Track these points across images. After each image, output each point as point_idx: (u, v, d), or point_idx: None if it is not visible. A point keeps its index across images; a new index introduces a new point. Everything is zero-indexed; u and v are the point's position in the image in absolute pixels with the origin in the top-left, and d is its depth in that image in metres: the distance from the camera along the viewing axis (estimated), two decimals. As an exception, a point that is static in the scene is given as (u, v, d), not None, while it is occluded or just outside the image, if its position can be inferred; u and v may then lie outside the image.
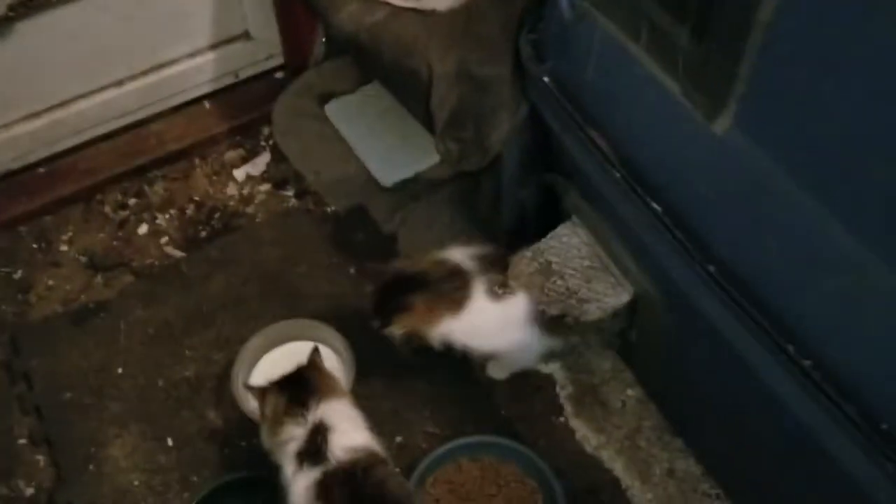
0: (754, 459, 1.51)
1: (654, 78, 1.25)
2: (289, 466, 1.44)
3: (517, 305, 1.60)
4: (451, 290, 1.56)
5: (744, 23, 1.05)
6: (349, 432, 1.47)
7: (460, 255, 1.60)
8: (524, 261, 1.78)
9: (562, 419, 1.85)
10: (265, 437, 1.51)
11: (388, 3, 1.67)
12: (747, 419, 1.44)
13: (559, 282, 1.74)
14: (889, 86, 0.92)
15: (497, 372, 1.83)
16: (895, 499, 1.08)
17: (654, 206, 1.32)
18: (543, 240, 1.74)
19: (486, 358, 1.78)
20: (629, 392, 1.87)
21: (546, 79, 1.47)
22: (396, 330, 1.58)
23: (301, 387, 1.48)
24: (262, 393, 1.52)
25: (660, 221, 1.31)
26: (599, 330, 1.71)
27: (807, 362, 1.15)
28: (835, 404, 1.12)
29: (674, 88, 1.22)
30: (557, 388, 1.87)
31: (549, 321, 1.61)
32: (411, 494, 1.49)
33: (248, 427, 1.71)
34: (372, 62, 1.70)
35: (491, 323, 1.60)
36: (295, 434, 1.44)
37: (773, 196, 1.12)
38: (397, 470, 1.52)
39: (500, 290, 1.59)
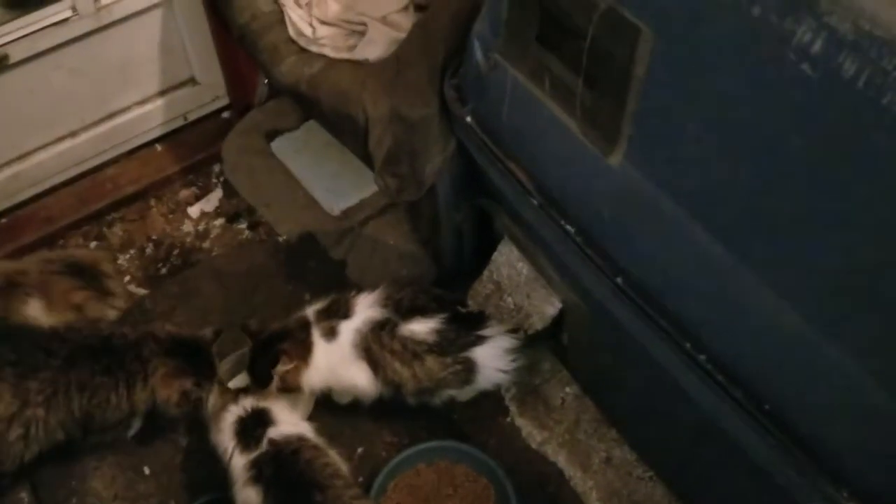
0: (673, 442, 1.71)
1: (559, 119, 1.43)
2: (229, 449, 1.70)
3: (344, 345, 1.81)
4: (301, 338, 1.81)
5: (624, 77, 1.24)
6: (285, 422, 1.71)
7: (310, 310, 1.86)
8: (481, 284, 1.97)
9: (508, 419, 2.02)
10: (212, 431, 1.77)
11: (325, 55, 1.82)
12: (663, 408, 1.63)
13: (508, 299, 1.93)
14: (731, 129, 1.13)
15: (341, 397, 1.98)
16: (779, 465, 1.28)
17: (568, 227, 1.50)
18: (492, 257, 1.92)
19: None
20: (567, 389, 2.05)
21: (468, 119, 1.65)
22: (276, 385, 1.81)
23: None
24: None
25: (573, 241, 1.50)
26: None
27: (701, 356, 1.34)
28: (725, 391, 1.32)
29: (574, 128, 1.40)
30: (503, 391, 2.05)
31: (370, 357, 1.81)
32: (340, 476, 1.68)
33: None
34: (312, 109, 1.86)
35: (331, 360, 1.82)
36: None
37: (660, 216, 1.31)
38: (334, 459, 1.72)
39: (329, 334, 1.81)
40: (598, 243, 1.47)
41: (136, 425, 1.96)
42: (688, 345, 1.36)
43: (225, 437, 1.75)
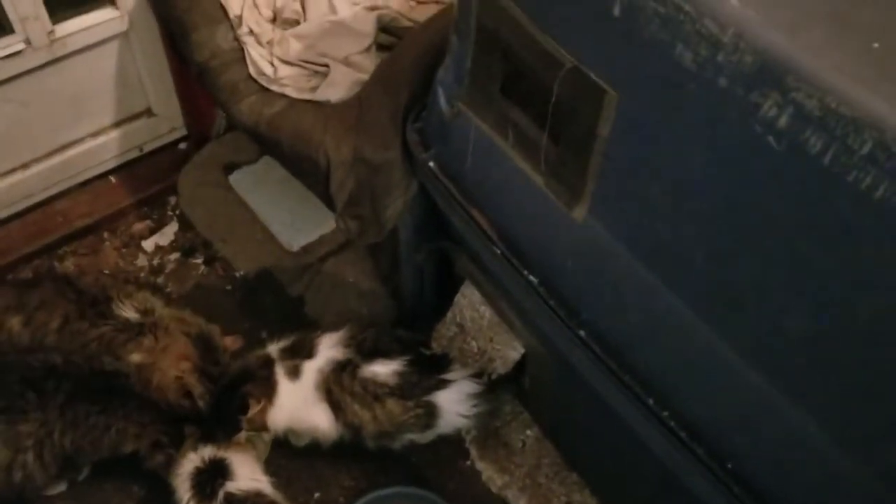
0: (634, 492, 1.70)
1: (522, 171, 1.42)
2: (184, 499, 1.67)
3: (307, 385, 1.79)
4: (265, 375, 1.78)
5: (588, 135, 1.23)
6: (243, 476, 1.69)
7: (272, 347, 1.84)
8: (444, 326, 1.96)
9: (468, 462, 2.00)
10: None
11: (286, 95, 1.79)
12: (625, 457, 1.63)
13: (472, 342, 1.92)
14: (693, 194, 1.13)
15: (297, 440, 1.95)
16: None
17: (531, 277, 1.49)
18: (455, 299, 1.90)
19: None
20: (528, 432, 2.04)
21: (431, 163, 1.63)
22: (246, 429, 1.79)
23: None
24: None
25: (535, 291, 1.48)
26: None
27: (664, 413, 1.34)
28: (688, 448, 1.31)
29: (539, 181, 1.39)
30: (463, 433, 2.03)
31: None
32: None
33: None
34: (272, 150, 1.83)
35: (294, 401, 1.79)
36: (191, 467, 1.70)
37: (622, 272, 1.31)
38: None
39: (293, 373, 1.79)
40: (561, 295, 1.46)
41: (86, 470, 1.90)
42: (651, 400, 1.35)
43: (181, 486, 1.70)
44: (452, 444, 2.01)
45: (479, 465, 2.00)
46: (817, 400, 1.11)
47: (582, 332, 1.44)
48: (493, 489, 1.96)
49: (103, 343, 1.83)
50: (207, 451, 1.74)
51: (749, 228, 1.08)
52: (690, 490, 1.35)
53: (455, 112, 1.52)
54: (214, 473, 1.70)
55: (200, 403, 1.78)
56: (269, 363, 1.81)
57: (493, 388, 1.88)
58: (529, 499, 1.94)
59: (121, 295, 1.88)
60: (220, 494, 1.66)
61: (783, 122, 0.96)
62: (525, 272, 1.51)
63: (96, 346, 1.83)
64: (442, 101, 1.55)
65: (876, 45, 0.95)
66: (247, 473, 1.74)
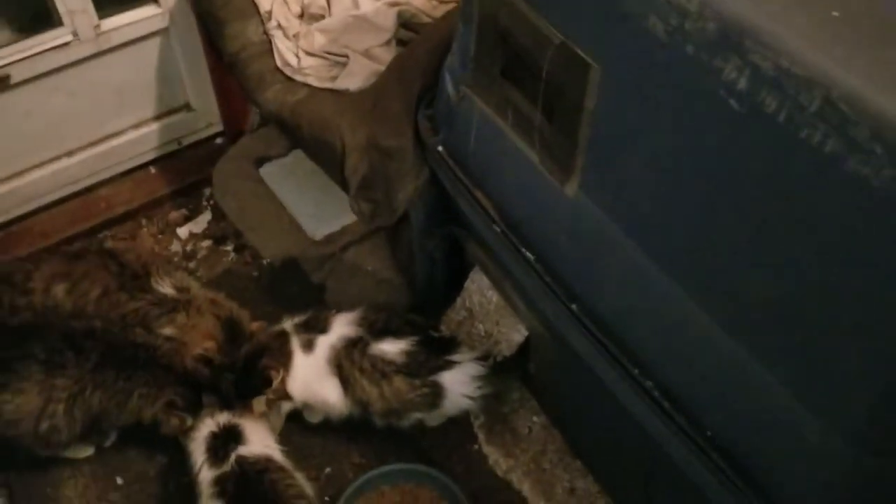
0: (629, 476, 1.74)
1: (520, 150, 1.49)
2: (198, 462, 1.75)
3: (319, 359, 1.87)
4: (279, 346, 1.87)
5: (576, 109, 1.30)
6: (255, 442, 1.76)
7: (287, 322, 1.93)
8: (454, 311, 2.03)
9: (476, 447, 2.05)
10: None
11: (308, 85, 1.90)
12: (618, 437, 1.67)
13: (479, 326, 1.98)
14: (668, 161, 1.19)
15: (311, 416, 2.03)
16: (719, 491, 1.31)
17: (528, 254, 1.56)
18: (465, 285, 1.97)
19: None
20: (535, 419, 2.08)
21: (440, 148, 1.71)
22: (270, 397, 1.87)
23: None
24: None
25: (532, 268, 1.55)
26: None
27: (648, 382, 1.39)
28: (670, 417, 1.36)
29: (535, 159, 1.47)
30: (472, 419, 2.08)
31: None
32: (304, 497, 1.72)
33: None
34: (293, 135, 1.93)
35: (307, 373, 1.87)
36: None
37: (610, 245, 1.36)
38: (299, 482, 1.76)
39: (307, 346, 1.87)
40: (556, 270, 1.52)
41: (113, 435, 2.00)
42: (636, 371, 1.40)
43: (196, 450, 1.79)
44: (461, 428, 2.06)
45: (486, 450, 2.05)
46: (785, 366, 1.15)
47: (574, 307, 1.49)
48: (499, 472, 2.01)
49: (139, 315, 1.95)
50: (223, 418, 1.83)
51: (718, 193, 1.13)
52: (678, 468, 1.39)
53: (461, 96, 1.61)
54: (228, 438, 1.78)
55: (217, 373, 1.88)
56: (283, 336, 1.89)
57: (499, 372, 1.93)
58: (533, 483, 1.98)
59: (160, 272, 2.01)
60: (232, 457, 1.73)
61: (742, 84, 1.02)
62: (523, 249, 1.57)
63: (132, 317, 1.95)
64: (449, 86, 1.63)
65: (835, 13, 1.01)
66: (259, 440, 1.81)
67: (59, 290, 1.95)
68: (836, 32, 0.99)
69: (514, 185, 1.56)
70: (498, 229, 1.60)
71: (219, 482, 1.72)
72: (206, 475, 1.75)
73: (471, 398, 1.90)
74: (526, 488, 1.97)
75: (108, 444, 2.01)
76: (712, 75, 1.05)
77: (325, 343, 1.88)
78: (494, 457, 2.04)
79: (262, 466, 1.74)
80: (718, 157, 1.11)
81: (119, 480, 1.98)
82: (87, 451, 2.00)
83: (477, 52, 1.52)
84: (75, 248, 2.14)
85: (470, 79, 1.57)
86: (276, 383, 1.85)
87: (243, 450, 1.76)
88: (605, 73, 1.23)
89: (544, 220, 1.52)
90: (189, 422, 1.84)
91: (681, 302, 1.26)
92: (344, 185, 1.85)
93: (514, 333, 1.88)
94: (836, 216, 0.99)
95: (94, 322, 1.89)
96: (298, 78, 1.91)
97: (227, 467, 1.74)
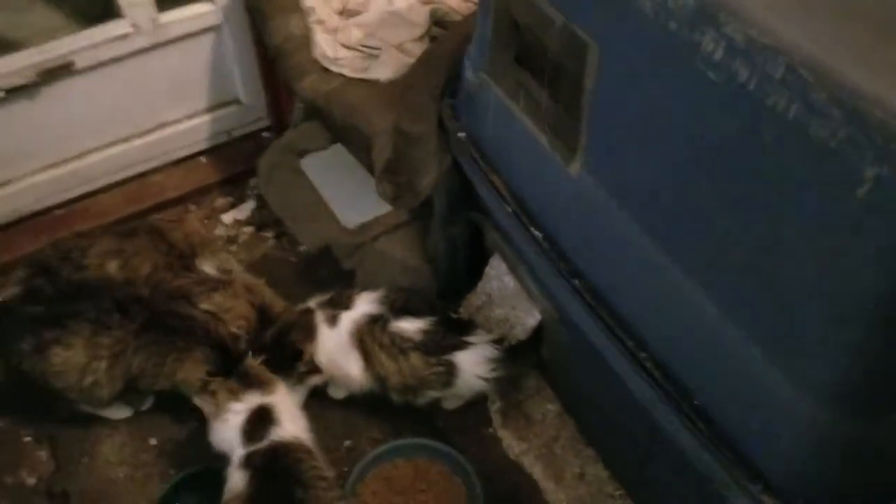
0: (632, 456, 1.78)
1: (531, 132, 1.58)
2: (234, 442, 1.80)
3: (342, 333, 1.96)
4: (304, 322, 1.97)
5: (577, 89, 1.38)
6: (287, 421, 1.81)
7: (311, 301, 2.03)
8: (475, 295, 2.11)
9: (490, 430, 2.11)
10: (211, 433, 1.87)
11: (342, 75, 2.02)
12: (621, 418, 1.72)
13: (497, 310, 2.06)
14: (659, 136, 1.25)
15: (336, 392, 2.12)
16: (706, 460, 1.35)
17: (535, 232, 1.63)
18: (485, 271, 2.06)
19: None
20: (549, 407, 2.14)
21: (460, 134, 1.81)
22: (301, 370, 1.98)
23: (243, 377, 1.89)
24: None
25: (539, 245, 1.62)
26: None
27: (642, 354, 1.44)
28: (660, 386, 1.41)
29: (543, 140, 1.55)
30: (488, 404, 2.15)
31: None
32: (324, 478, 1.76)
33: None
34: (327, 121, 2.05)
35: (331, 346, 1.97)
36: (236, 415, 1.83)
37: (608, 221, 1.43)
38: (321, 464, 1.81)
39: (331, 320, 1.97)
40: (561, 248, 1.60)
41: (150, 400, 2.13)
42: (631, 343, 1.46)
43: (230, 430, 1.84)
44: (478, 412, 2.13)
45: (501, 433, 2.10)
46: (760, 329, 1.20)
47: (576, 282, 1.56)
48: (511, 455, 2.06)
49: (182, 291, 2.08)
50: (253, 399, 1.86)
51: (699, 163, 1.20)
52: (674, 445, 1.43)
53: (479, 82, 1.70)
54: (262, 419, 1.82)
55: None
56: (309, 312, 2.00)
57: (513, 356, 2.00)
58: (544, 467, 2.03)
59: (206, 252, 2.14)
60: (267, 438, 1.79)
61: (718, 55, 1.09)
62: (531, 228, 1.65)
63: (176, 292, 2.08)
64: (469, 73, 1.73)
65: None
66: (290, 419, 1.86)
67: (112, 266, 2.10)
68: (801, 4, 1.05)
69: (525, 166, 1.65)
70: (509, 209, 1.68)
71: (249, 456, 1.78)
72: (239, 451, 1.80)
73: (484, 379, 1.97)
74: (537, 471, 2.02)
75: (144, 407, 2.14)
76: (692, 48, 1.12)
77: (349, 318, 1.98)
78: (508, 440, 2.09)
79: (291, 447, 1.80)
80: (699, 127, 1.17)
81: (152, 441, 2.10)
82: (126, 413, 2.13)
83: (493, 39, 1.61)
84: (128, 227, 2.29)
85: (487, 65, 1.66)
86: (305, 356, 1.96)
87: (278, 430, 1.81)
88: (602, 51, 1.31)
89: (551, 199, 1.60)
90: (213, 386, 1.94)
91: (667, 271, 1.33)
92: (371, 168, 1.95)
93: (528, 317, 1.95)
94: (802, 180, 1.05)
95: (142, 290, 2.04)
96: (334, 68, 2.04)
97: (260, 445, 1.79)
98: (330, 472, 1.83)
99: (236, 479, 1.76)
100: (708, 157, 1.18)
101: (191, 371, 1.97)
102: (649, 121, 1.27)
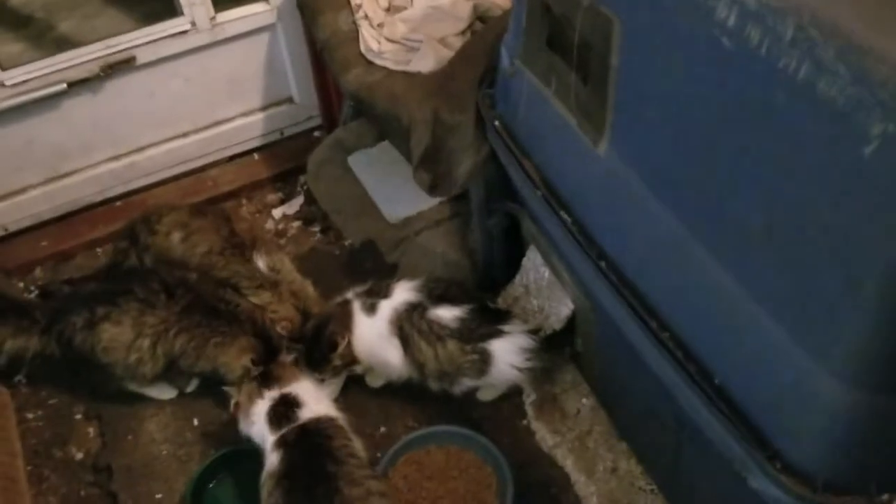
0: (662, 445, 1.76)
1: (561, 115, 1.60)
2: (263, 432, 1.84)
3: (382, 320, 1.98)
4: (341, 313, 2.01)
5: (604, 67, 1.40)
6: (311, 404, 1.86)
7: (350, 292, 2.07)
8: (512, 287, 2.13)
9: (524, 422, 2.12)
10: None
11: (385, 67, 2.08)
12: (651, 407, 1.70)
13: (533, 301, 2.07)
14: (680, 108, 1.26)
15: (373, 380, 2.15)
16: (726, 439, 1.34)
17: (564, 216, 1.65)
18: (522, 262, 2.07)
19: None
20: (584, 401, 2.13)
21: (496, 122, 1.84)
22: (337, 363, 2.01)
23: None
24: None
25: (567, 229, 1.64)
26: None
27: (665, 334, 1.44)
28: (681, 366, 1.40)
29: (573, 122, 1.57)
30: (524, 396, 2.15)
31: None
32: (355, 455, 1.79)
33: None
34: (369, 112, 2.11)
35: (370, 334, 1.99)
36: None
37: (633, 199, 1.44)
38: (352, 440, 1.84)
39: (370, 309, 2.00)
40: (588, 230, 1.61)
41: (195, 382, 2.20)
42: (654, 323, 1.46)
43: (259, 422, 1.89)
44: (512, 404, 2.14)
45: (535, 425, 2.10)
46: (778, 301, 1.19)
47: (602, 264, 1.57)
48: (544, 448, 2.06)
49: (231, 280, 2.16)
50: (275, 391, 1.90)
51: (717, 131, 1.20)
52: (703, 434, 1.42)
53: (514, 69, 1.73)
54: (288, 405, 1.86)
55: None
56: (346, 303, 2.04)
57: (547, 346, 2.00)
58: (576, 460, 2.02)
59: (263, 249, 2.23)
60: (297, 420, 1.83)
61: (731, 21, 1.10)
62: (561, 212, 1.66)
63: (225, 279, 2.17)
64: (505, 60, 1.76)
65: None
66: (314, 401, 1.90)
67: (176, 237, 2.22)
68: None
69: (555, 150, 1.67)
70: (539, 193, 1.70)
71: (283, 436, 1.82)
72: (270, 437, 1.83)
73: (518, 369, 1.98)
74: (569, 464, 2.01)
75: (189, 390, 2.21)
76: (707, 15, 1.13)
77: (388, 306, 2.01)
78: (541, 433, 2.09)
79: (323, 424, 1.84)
80: (716, 97, 1.18)
81: (195, 422, 2.17)
82: (171, 394, 2.20)
83: (527, 24, 1.65)
84: (202, 207, 2.41)
85: (521, 51, 1.69)
86: (341, 347, 2.00)
87: (305, 411, 1.85)
88: (625, 26, 1.32)
89: (580, 181, 1.61)
90: (255, 373, 1.99)
91: (689, 247, 1.32)
92: (409, 156, 2.00)
93: (562, 307, 1.96)
94: (814, 142, 1.04)
95: (191, 274, 2.12)
96: (378, 61, 2.10)
97: (291, 426, 1.83)
98: (362, 451, 1.85)
99: (272, 460, 1.80)
100: (723, 123, 1.19)
101: (234, 357, 2.03)
102: (669, 93, 1.28)
